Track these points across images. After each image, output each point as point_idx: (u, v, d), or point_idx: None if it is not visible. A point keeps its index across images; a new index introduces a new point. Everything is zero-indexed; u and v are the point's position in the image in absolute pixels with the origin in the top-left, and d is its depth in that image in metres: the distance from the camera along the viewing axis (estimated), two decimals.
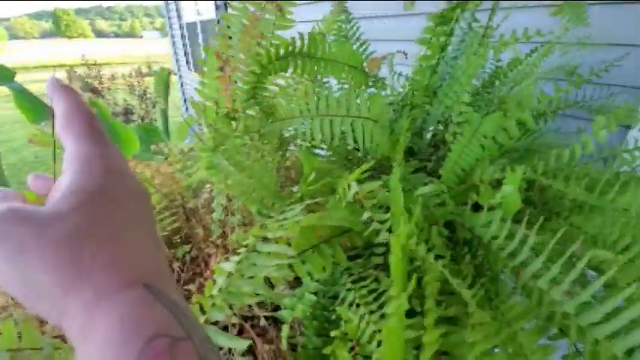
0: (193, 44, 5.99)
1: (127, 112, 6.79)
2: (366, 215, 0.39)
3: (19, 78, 2.77)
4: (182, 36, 6.60)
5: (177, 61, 7.59)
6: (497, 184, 0.60)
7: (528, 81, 0.84)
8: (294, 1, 0.68)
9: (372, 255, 0.55)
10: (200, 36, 5.36)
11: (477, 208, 0.56)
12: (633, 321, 0.30)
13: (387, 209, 0.48)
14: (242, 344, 0.30)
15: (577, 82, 0.74)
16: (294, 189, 0.54)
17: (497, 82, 0.86)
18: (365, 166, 0.44)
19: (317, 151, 0.87)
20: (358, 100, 0.62)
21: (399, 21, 1.51)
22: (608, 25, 1.06)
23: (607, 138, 0.60)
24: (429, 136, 0.82)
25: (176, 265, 0.68)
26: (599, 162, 0.73)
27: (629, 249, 0.42)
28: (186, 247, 0.66)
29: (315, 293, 0.54)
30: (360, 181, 0.44)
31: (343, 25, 0.97)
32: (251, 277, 0.35)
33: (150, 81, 7.55)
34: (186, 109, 7.59)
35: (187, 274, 0.69)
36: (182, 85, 7.48)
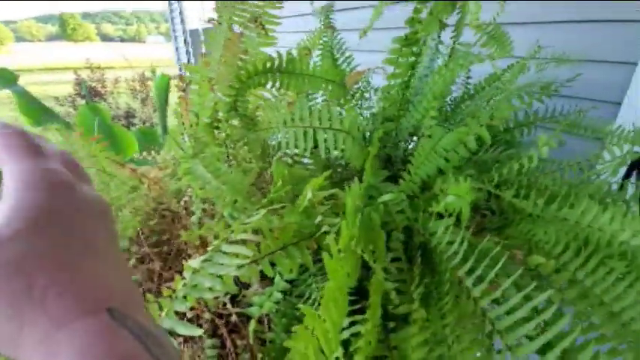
0: (196, 51, 6.08)
1: (129, 116, 6.88)
2: (318, 219, 0.43)
3: (23, 80, 2.83)
4: (185, 42, 6.71)
5: (179, 66, 7.70)
6: None
7: (501, 95, 0.88)
8: (278, 21, 0.73)
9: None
10: (203, 43, 5.46)
11: (439, 217, 0.60)
12: (547, 323, 0.34)
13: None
14: (196, 332, 0.35)
15: (541, 95, 0.78)
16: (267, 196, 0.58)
17: (475, 97, 0.92)
18: (325, 174, 0.48)
19: (303, 159, 0.92)
20: (329, 113, 0.67)
21: (385, 33, 1.57)
22: (587, 43, 1.12)
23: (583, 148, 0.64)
24: (404, 146, 0.87)
25: (157, 264, 0.72)
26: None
27: (563, 255, 0.46)
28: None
29: (285, 292, 0.58)
30: (322, 188, 0.48)
31: (328, 40, 1.03)
32: (213, 275, 0.40)
33: (152, 85, 7.65)
34: None
35: (169, 272, 0.73)
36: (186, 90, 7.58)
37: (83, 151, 0.61)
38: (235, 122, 0.72)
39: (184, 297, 0.39)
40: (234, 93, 0.63)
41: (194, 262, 0.42)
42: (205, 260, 0.42)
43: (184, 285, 0.39)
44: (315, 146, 0.69)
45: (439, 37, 0.68)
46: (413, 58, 0.66)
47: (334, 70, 0.78)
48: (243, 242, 0.45)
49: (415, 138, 0.86)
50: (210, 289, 0.38)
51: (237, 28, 0.69)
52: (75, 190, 0.22)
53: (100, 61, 7.55)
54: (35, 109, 2.63)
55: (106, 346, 0.18)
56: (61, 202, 0.20)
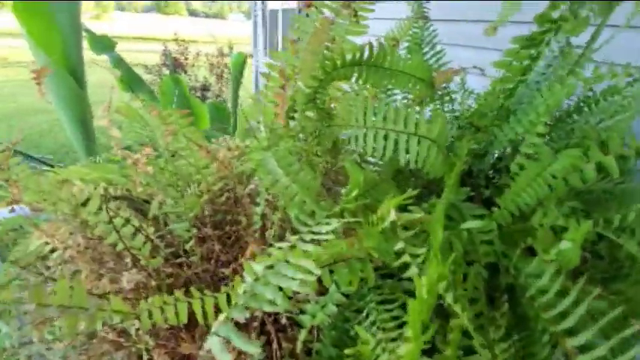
0: (272, 31, 6.20)
1: (204, 89, 7.29)
2: (399, 246, 0.38)
3: (119, 47, 3.09)
4: (264, 22, 6.88)
5: (255, 45, 7.94)
6: (560, 229, 0.54)
7: (623, 115, 0.73)
8: (370, 7, 0.67)
9: (403, 279, 0.53)
10: (280, 23, 5.53)
11: (529, 252, 0.51)
12: None
13: (426, 236, 0.46)
14: (255, 349, 0.32)
15: None
16: (337, 200, 0.54)
17: (584, 112, 0.77)
18: (408, 194, 0.42)
19: (368, 158, 0.86)
20: (417, 116, 0.60)
21: (480, 27, 1.41)
22: None
23: None
24: (492, 159, 0.76)
25: (217, 246, 0.72)
26: None
27: None
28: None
29: (339, 305, 0.54)
30: (402, 207, 0.42)
31: (419, 32, 0.93)
32: (275, 286, 0.36)
33: (228, 61, 8.00)
34: (257, 88, 7.93)
35: (226, 255, 0.72)
36: (256, 69, 7.82)
37: (166, 124, 0.62)
38: (310, 114, 0.68)
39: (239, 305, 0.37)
40: (316, 84, 0.59)
41: (257, 267, 0.39)
42: (268, 267, 0.39)
43: (244, 292, 0.36)
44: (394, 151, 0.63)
45: (568, 38, 0.56)
46: (527, 62, 0.56)
47: (424, 67, 0.70)
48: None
49: (507, 152, 0.75)
50: (271, 302, 0.35)
51: (328, 14, 0.64)
52: None
53: (185, 35, 8.06)
54: (127, 75, 2.87)
55: None
56: None
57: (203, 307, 0.45)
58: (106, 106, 0.59)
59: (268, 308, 0.35)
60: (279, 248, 0.43)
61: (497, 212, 0.51)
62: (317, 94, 0.61)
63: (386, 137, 0.59)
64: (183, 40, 7.67)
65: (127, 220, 0.54)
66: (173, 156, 0.68)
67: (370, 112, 0.60)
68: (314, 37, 0.61)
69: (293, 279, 0.37)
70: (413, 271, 0.34)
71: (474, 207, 0.57)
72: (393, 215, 0.38)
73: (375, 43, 0.63)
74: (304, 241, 0.41)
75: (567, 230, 0.52)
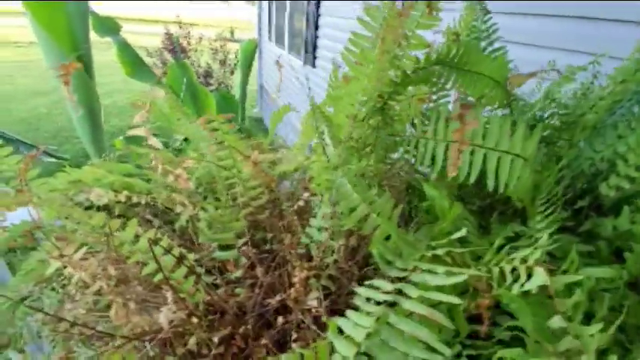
0: (279, 17, 6.00)
1: (207, 75, 7.09)
2: (557, 323, 0.28)
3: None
4: (269, 8, 6.66)
5: (259, 31, 7.72)
6: None
7: None
8: None
9: (496, 324, 0.45)
10: (288, 9, 5.34)
11: None
12: None
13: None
14: None
15: None
16: (419, 233, 0.45)
17: None
18: (543, 244, 0.33)
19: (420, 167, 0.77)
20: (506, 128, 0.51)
21: (543, 22, 1.30)
22: None
23: None
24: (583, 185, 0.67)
25: (259, 269, 0.63)
26: None
27: None
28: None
29: None
30: (530, 255, 0.33)
31: (477, 25, 0.83)
32: None
33: (231, 47, 7.78)
34: (261, 77, 7.75)
35: (268, 278, 0.64)
36: (261, 55, 7.62)
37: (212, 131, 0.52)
38: (372, 121, 0.59)
39: None
40: (390, 89, 0.49)
41: (349, 327, 0.30)
42: (368, 336, 0.30)
43: None
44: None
45: None
46: None
47: (503, 69, 0.61)
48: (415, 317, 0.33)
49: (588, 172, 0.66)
50: None
51: (399, 5, 0.54)
52: None
53: (186, 18, 7.82)
54: (132, 60, 2.74)
55: None
56: None
57: None
58: (144, 113, 0.49)
59: None
60: (373, 302, 0.34)
61: (630, 259, 0.42)
62: (389, 100, 0.51)
63: (473, 153, 0.50)
64: (187, 24, 7.44)
65: (168, 250, 0.45)
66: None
67: (454, 123, 0.50)
68: (387, 31, 0.51)
69: (409, 356, 0.28)
70: None
71: (573, 240, 0.48)
72: (543, 278, 0.29)
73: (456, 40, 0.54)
74: (408, 298, 0.33)
75: None
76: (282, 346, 0.57)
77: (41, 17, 1.47)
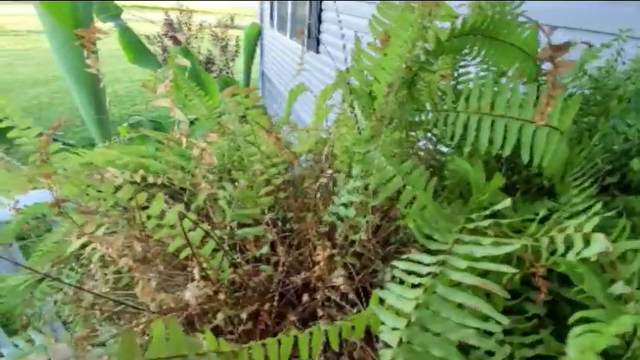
0: (281, 3, 5.89)
1: (208, 62, 7.01)
2: (620, 289, 0.27)
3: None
4: None
5: (261, 17, 7.59)
6: None
7: None
8: None
9: (527, 300, 0.44)
10: None
11: None
12: None
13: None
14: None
15: None
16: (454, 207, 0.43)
17: None
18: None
19: (441, 147, 0.75)
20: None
21: (570, 4, 1.26)
22: None
23: None
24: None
25: (281, 248, 0.62)
26: None
27: None
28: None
29: None
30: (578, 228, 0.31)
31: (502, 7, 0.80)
32: (436, 335, 0.27)
33: (232, 34, 7.67)
34: (262, 64, 7.67)
35: (290, 258, 0.63)
36: (262, 41, 7.52)
37: (234, 108, 0.51)
38: (399, 95, 0.57)
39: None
40: (423, 59, 0.47)
41: (393, 299, 0.29)
42: (417, 307, 0.29)
43: (399, 347, 0.26)
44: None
45: None
46: None
47: (534, 42, 0.58)
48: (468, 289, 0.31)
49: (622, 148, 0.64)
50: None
51: None
52: None
53: (186, 4, 7.68)
54: (134, 45, 2.69)
55: None
56: None
57: (310, 343, 0.36)
58: (167, 84, 0.47)
59: None
60: (415, 274, 0.33)
61: None
62: (420, 70, 0.49)
63: (507, 126, 0.48)
64: (187, 10, 7.33)
65: (196, 224, 0.44)
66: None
67: (488, 95, 0.49)
68: (421, 5, 0.48)
69: (463, 326, 0.27)
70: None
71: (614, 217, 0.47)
72: (604, 243, 0.28)
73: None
74: (455, 268, 0.31)
75: None
76: (307, 324, 0.56)
77: (45, 1, 1.43)
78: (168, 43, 6.59)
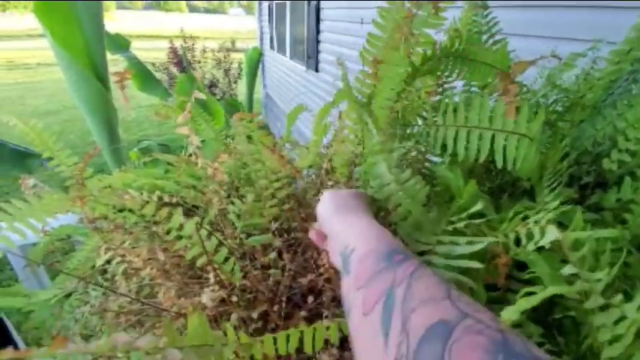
0: (279, 25, 6.11)
1: (212, 85, 7.24)
2: (570, 270, 0.33)
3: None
4: (270, 16, 6.78)
5: (261, 40, 7.85)
6: None
7: None
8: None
9: (509, 290, 0.49)
10: (288, 17, 5.44)
11: None
12: None
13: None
14: None
15: None
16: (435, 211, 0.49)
17: None
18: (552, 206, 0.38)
19: (429, 156, 0.82)
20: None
21: (547, 14, 1.34)
22: None
23: None
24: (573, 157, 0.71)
25: (286, 255, 0.68)
26: None
27: None
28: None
29: None
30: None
31: (477, 19, 0.88)
32: None
33: (234, 57, 7.92)
34: (265, 86, 7.86)
35: (294, 264, 0.68)
36: (264, 63, 7.74)
37: (239, 130, 0.58)
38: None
39: None
40: (400, 82, 0.54)
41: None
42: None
43: None
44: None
45: None
46: None
47: (505, 58, 0.65)
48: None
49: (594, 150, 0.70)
50: None
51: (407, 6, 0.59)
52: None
53: (187, 31, 7.98)
54: (142, 74, 2.83)
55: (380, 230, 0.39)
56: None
57: (314, 337, 0.41)
58: (186, 114, 0.55)
59: None
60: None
61: (632, 220, 0.46)
62: (401, 92, 0.56)
63: (481, 137, 0.54)
64: (191, 37, 7.60)
65: (211, 233, 0.50)
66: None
67: (462, 109, 0.55)
68: (395, 30, 0.56)
69: None
70: (596, 301, 0.29)
71: (581, 211, 0.52)
72: (555, 233, 0.33)
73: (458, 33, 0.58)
74: (436, 266, 0.37)
75: None
76: (313, 323, 0.61)
77: (59, 36, 1.55)
78: (174, 69, 6.83)
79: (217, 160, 0.56)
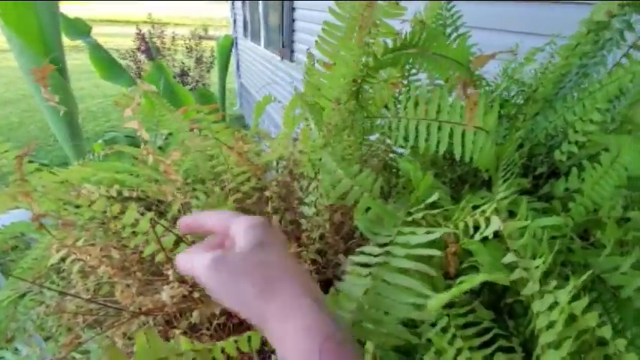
0: (253, 12, 5.96)
1: (183, 74, 6.99)
2: (510, 259, 0.34)
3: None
4: (243, 3, 6.59)
5: (234, 28, 7.63)
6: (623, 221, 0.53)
7: None
8: None
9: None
10: (261, 4, 5.31)
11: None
12: None
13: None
14: None
15: None
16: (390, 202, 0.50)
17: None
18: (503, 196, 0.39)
19: (396, 149, 0.83)
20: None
21: (506, 7, 1.37)
22: None
23: None
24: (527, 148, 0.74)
25: None
26: None
27: None
28: None
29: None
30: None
31: (442, 12, 0.89)
32: (382, 314, 0.33)
33: (206, 45, 7.67)
34: (239, 75, 7.69)
35: None
36: (237, 52, 7.55)
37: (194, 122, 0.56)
38: (348, 105, 0.64)
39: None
40: (363, 73, 0.54)
41: (352, 290, 0.35)
42: (370, 291, 0.35)
43: (353, 325, 0.32)
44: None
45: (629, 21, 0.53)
46: (588, 47, 0.53)
47: (466, 52, 0.66)
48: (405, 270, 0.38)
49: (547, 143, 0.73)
50: (384, 334, 0.31)
51: None
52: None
53: (158, 17, 7.64)
54: (106, 62, 2.69)
55: (324, 317, 0.28)
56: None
57: None
58: (134, 105, 0.52)
59: (377, 340, 0.31)
60: (365, 265, 0.39)
61: (573, 210, 0.48)
62: (362, 82, 0.56)
63: (440, 129, 0.55)
64: (159, 22, 7.27)
65: (167, 229, 0.49)
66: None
67: (422, 102, 0.56)
68: (355, 20, 0.56)
69: (402, 303, 0.33)
70: (532, 288, 0.31)
71: (533, 201, 0.55)
72: (497, 223, 0.34)
73: (419, 26, 0.59)
74: (396, 256, 0.38)
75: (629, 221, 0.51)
76: None
77: (12, 20, 1.44)
78: (142, 57, 6.53)
79: (170, 158, 0.54)
